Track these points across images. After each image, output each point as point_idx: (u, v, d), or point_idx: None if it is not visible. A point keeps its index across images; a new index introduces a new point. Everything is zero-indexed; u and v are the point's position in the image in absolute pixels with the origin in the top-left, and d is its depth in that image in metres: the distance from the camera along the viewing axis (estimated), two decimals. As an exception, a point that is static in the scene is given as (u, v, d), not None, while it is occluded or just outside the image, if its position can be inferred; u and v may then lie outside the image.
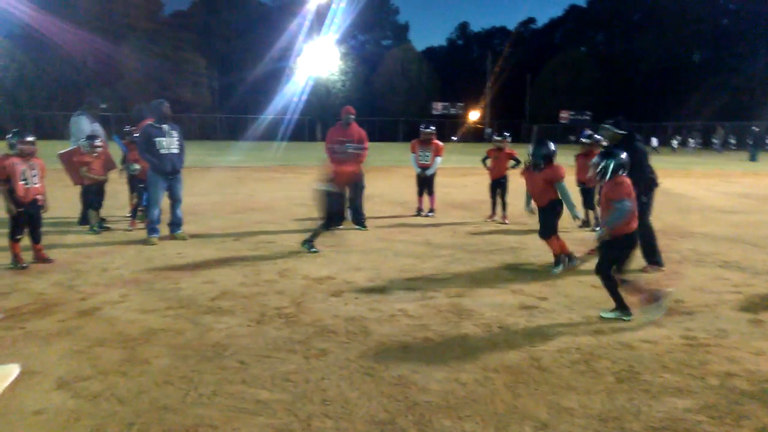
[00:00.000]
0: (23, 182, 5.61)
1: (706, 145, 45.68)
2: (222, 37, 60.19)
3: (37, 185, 5.75)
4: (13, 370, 3.22)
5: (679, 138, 45.06)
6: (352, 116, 8.21)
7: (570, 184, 6.14)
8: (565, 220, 6.20)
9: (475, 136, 60.52)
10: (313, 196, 6.73)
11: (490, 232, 8.14)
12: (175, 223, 7.33)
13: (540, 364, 3.50)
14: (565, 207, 5.79)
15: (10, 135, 5.70)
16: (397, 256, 6.50)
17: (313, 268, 5.89)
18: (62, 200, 9.25)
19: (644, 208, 5.78)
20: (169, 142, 7.04)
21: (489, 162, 9.25)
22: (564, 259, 5.80)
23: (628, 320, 4.26)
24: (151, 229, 7.09)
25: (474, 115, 65.19)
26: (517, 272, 5.86)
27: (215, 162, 22.34)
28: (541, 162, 5.77)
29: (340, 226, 8.21)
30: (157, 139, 6.95)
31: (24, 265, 5.67)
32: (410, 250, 6.89)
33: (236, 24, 60.30)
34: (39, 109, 45.49)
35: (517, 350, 3.74)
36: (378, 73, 63.59)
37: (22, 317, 4.23)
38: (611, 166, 4.24)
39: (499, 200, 9.08)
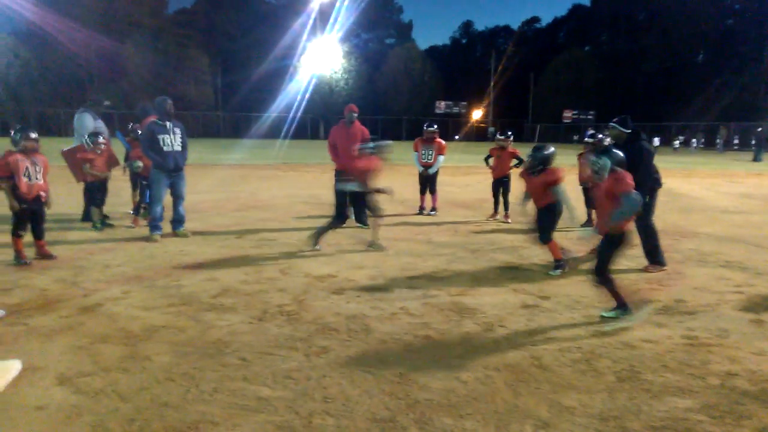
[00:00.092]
0: (26, 179, 5.62)
1: (710, 145, 45.55)
2: (225, 35, 60.25)
3: (40, 182, 5.76)
4: (15, 366, 3.23)
5: (681, 138, 44.94)
6: (355, 114, 8.20)
7: (574, 183, 6.13)
8: (566, 221, 6.20)
9: (478, 135, 60.49)
10: (335, 196, 6.79)
11: (492, 231, 8.14)
12: (178, 221, 7.34)
13: (541, 363, 3.50)
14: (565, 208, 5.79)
15: (14, 132, 5.73)
16: (399, 255, 6.50)
17: (314, 265, 5.90)
18: (65, 197, 9.25)
19: (647, 208, 5.78)
20: (173, 140, 7.05)
21: (492, 161, 9.24)
22: (563, 264, 5.79)
23: (630, 319, 4.23)
24: (154, 226, 7.11)
25: (477, 114, 65.17)
26: (519, 271, 5.85)
27: (218, 160, 22.37)
28: (539, 165, 5.79)
29: (343, 225, 8.23)
30: (161, 136, 6.96)
31: (26, 261, 5.69)
32: (412, 248, 6.89)
33: (240, 22, 60.35)
34: (42, 106, 45.64)
35: (518, 349, 3.74)
36: (381, 72, 63.58)
37: (25, 313, 4.25)
38: (608, 164, 4.21)
39: (501, 199, 9.08)
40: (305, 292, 4.95)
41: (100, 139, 7.55)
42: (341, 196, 6.74)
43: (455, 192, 12.82)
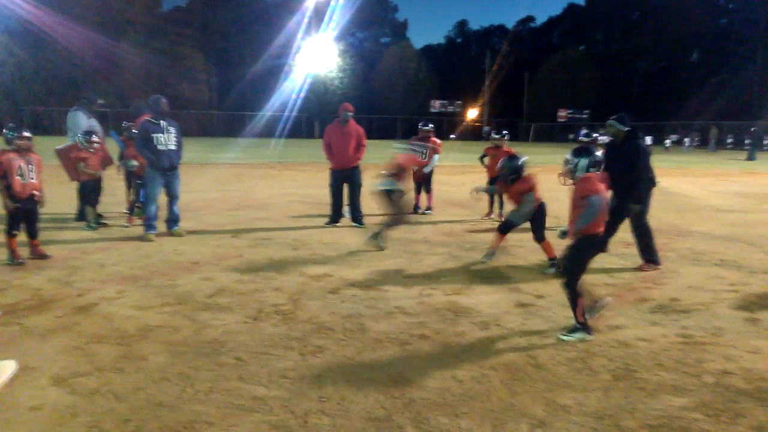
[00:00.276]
0: (20, 178, 5.59)
1: (705, 144, 45.70)
2: (221, 33, 60.02)
3: (33, 181, 5.74)
4: (10, 366, 3.21)
5: (673, 137, 45.03)
6: (350, 113, 8.19)
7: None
8: (551, 223, 6.26)
9: (473, 134, 60.50)
10: (377, 197, 6.90)
11: (488, 230, 8.14)
12: (173, 220, 7.32)
13: (537, 362, 3.51)
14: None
15: (7, 130, 5.69)
16: (395, 254, 6.50)
17: (310, 265, 5.89)
18: (59, 196, 9.22)
19: (642, 207, 5.81)
20: (167, 139, 7.03)
21: (487, 160, 9.26)
22: (558, 263, 5.81)
23: (590, 339, 3.88)
24: (149, 225, 7.08)
25: (472, 113, 65.16)
26: (514, 270, 5.87)
27: (213, 159, 22.31)
28: (512, 174, 5.96)
29: (338, 223, 8.23)
30: (155, 135, 6.93)
31: (20, 260, 5.66)
32: (407, 247, 6.89)
33: (235, 20, 60.08)
34: (36, 104, 45.32)
35: (514, 348, 3.75)
36: (376, 71, 63.47)
37: (19, 313, 4.23)
38: (582, 164, 3.98)
39: (496, 198, 9.09)
40: (301, 291, 4.94)
41: (94, 138, 7.51)
42: (385, 196, 6.81)
43: (450, 191, 12.83)
